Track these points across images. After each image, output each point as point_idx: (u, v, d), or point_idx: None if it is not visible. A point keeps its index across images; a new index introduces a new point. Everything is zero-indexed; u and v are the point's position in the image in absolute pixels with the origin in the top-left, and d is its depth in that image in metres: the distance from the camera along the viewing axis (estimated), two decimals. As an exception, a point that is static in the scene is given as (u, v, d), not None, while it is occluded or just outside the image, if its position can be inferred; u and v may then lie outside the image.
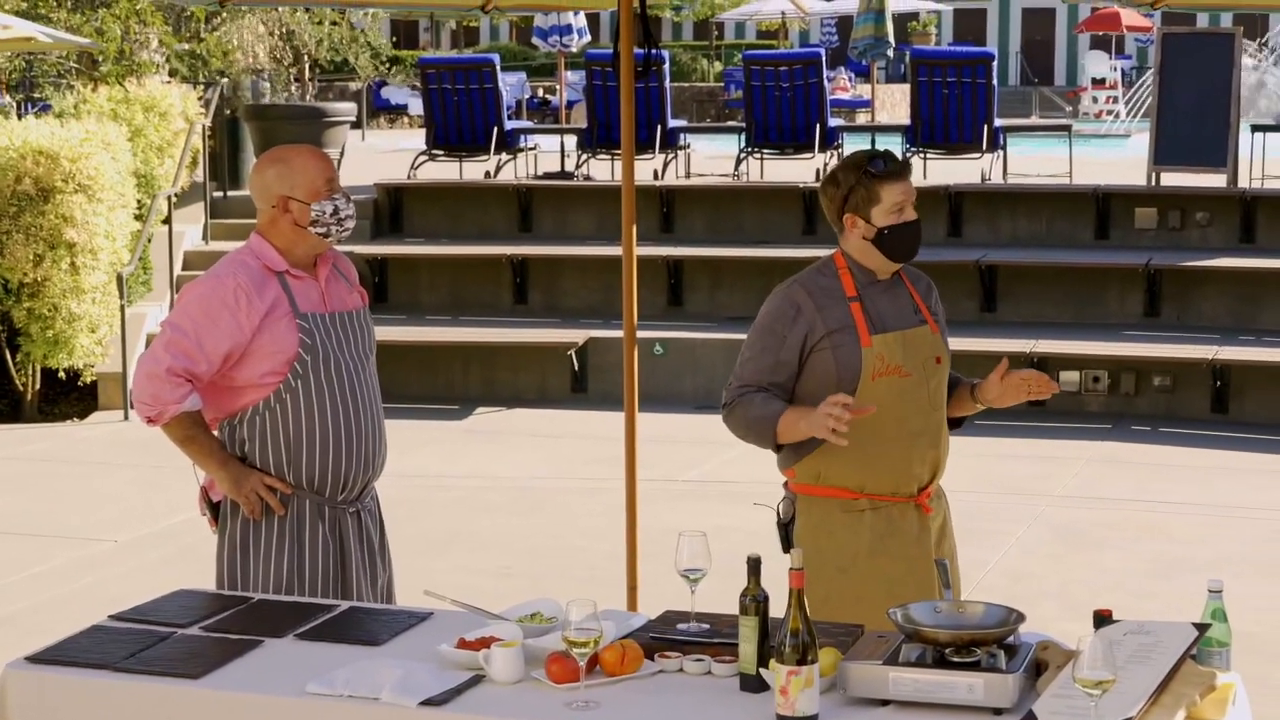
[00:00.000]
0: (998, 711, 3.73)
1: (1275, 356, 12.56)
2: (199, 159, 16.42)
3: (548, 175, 17.36)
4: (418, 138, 20.79)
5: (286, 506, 5.01)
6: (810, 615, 3.69)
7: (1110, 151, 23.36)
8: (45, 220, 13.22)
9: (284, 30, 25.41)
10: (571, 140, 18.14)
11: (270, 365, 4.95)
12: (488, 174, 17.21)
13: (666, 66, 17.67)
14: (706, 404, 12.70)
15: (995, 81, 16.33)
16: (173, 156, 15.78)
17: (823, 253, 5.20)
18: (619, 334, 12.67)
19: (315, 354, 4.98)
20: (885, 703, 3.81)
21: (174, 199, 15.23)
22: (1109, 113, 33.63)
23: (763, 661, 3.88)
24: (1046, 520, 9.98)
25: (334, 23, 26.47)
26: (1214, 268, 13.77)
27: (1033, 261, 14.26)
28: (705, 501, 10.28)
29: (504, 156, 17.34)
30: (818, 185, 13.85)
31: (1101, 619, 4.02)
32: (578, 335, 13.75)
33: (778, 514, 5.10)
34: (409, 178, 16.97)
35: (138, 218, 14.40)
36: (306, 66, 29.88)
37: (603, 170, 17.53)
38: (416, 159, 17.41)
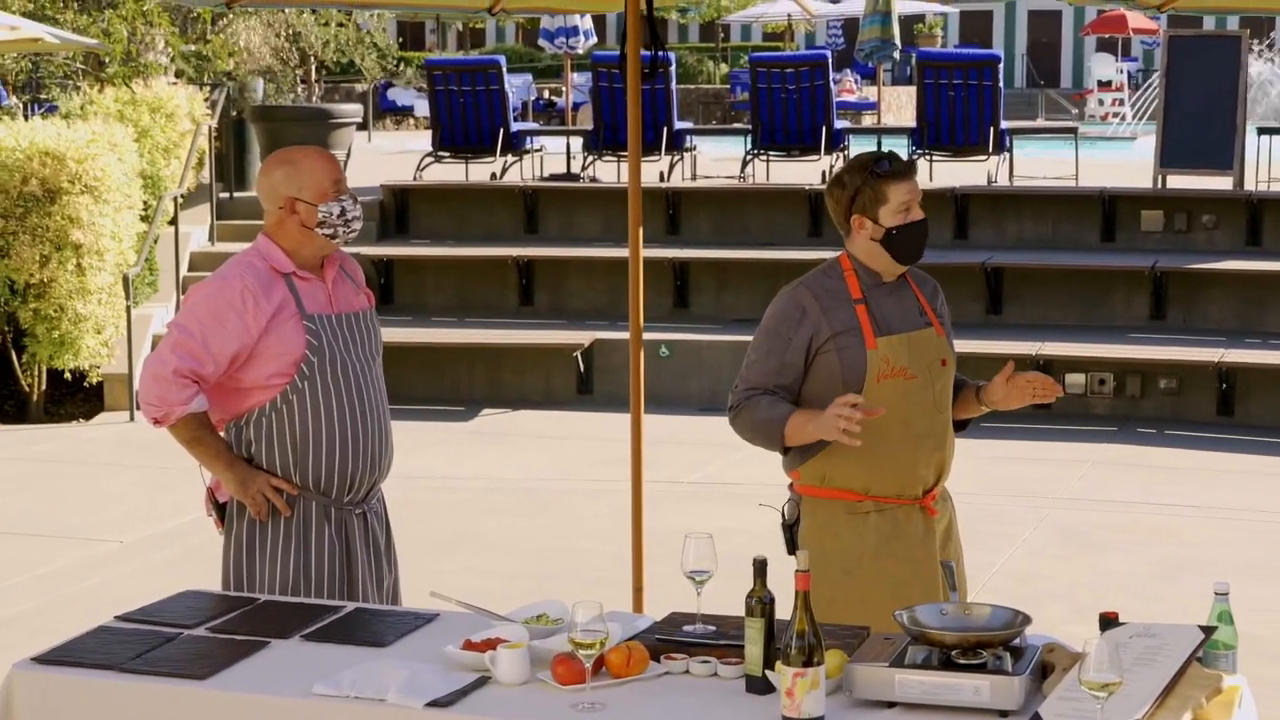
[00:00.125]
0: (1004, 714, 3.73)
1: (1281, 359, 12.56)
2: (205, 160, 16.42)
3: (553, 177, 17.36)
4: (424, 139, 20.81)
5: (293, 508, 5.01)
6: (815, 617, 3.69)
7: (1116, 154, 23.35)
8: (51, 221, 13.22)
9: (290, 31, 25.39)
10: (577, 142, 18.14)
11: (277, 367, 4.96)
12: (494, 175, 17.21)
13: (673, 68, 17.67)
14: (712, 406, 12.70)
15: (1001, 84, 16.32)
16: (179, 158, 15.78)
17: (828, 255, 5.20)
18: (625, 336, 12.65)
19: (322, 355, 4.99)
20: (891, 705, 3.81)
21: (180, 200, 15.24)
22: (1115, 115, 33.62)
23: (769, 663, 3.88)
24: (1052, 523, 9.98)
25: (340, 24, 26.45)
26: (1220, 270, 13.77)
27: (1039, 264, 14.26)
28: (710, 503, 10.28)
29: (510, 158, 17.34)
30: (824, 187, 13.87)
31: (1107, 621, 4.02)
32: (583, 337, 13.75)
33: (783, 516, 5.10)
34: (415, 179, 16.98)
35: (144, 219, 14.40)
36: (313, 68, 29.87)
37: (609, 172, 17.53)
38: (422, 160, 17.41)
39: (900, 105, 33.82)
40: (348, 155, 17.12)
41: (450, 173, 17.56)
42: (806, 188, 15.56)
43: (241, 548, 5.04)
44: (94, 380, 13.79)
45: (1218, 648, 3.94)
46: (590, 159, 17.34)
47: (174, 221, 14.98)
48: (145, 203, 14.54)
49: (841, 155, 16.80)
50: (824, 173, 16.54)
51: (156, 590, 5.20)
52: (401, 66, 32.59)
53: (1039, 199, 15.37)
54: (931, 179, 16.30)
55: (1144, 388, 12.87)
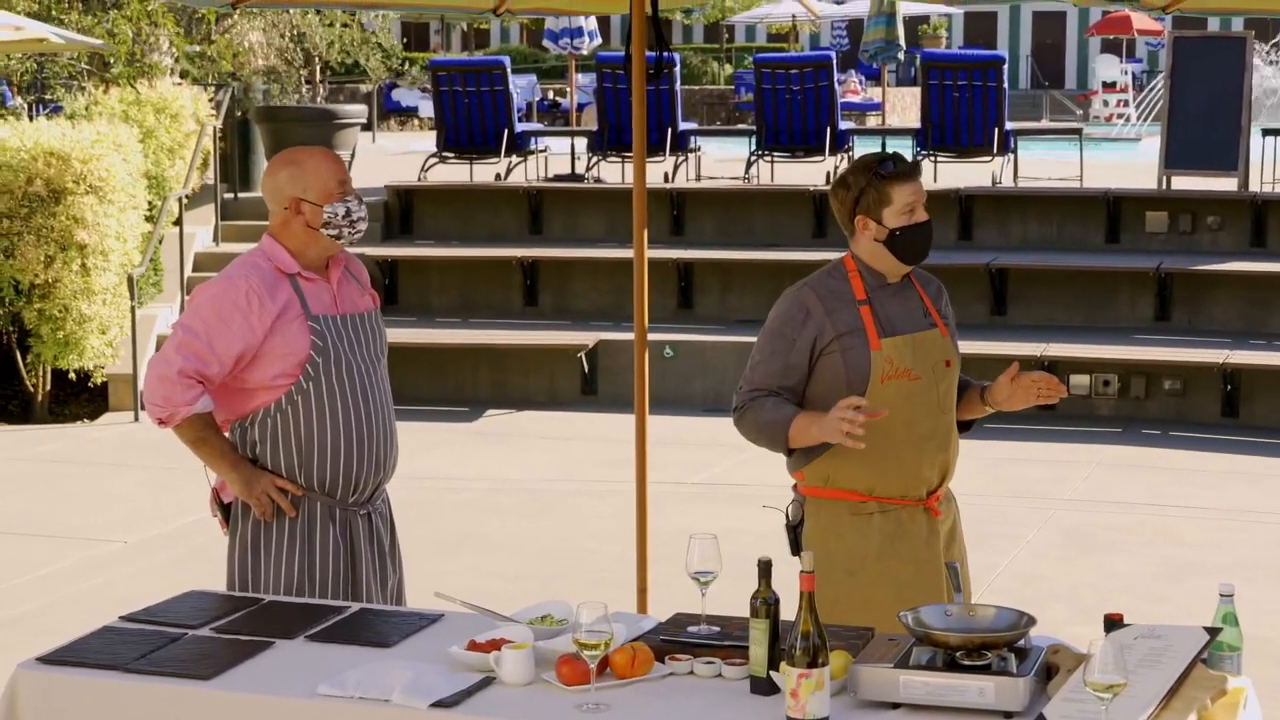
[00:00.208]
0: (1009, 715, 3.73)
1: (1286, 360, 12.55)
2: (210, 160, 16.43)
3: (558, 177, 17.37)
4: (428, 140, 20.82)
5: (297, 508, 5.02)
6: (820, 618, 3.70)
7: (1121, 155, 23.35)
8: (56, 221, 13.23)
9: (295, 32, 25.40)
10: (582, 143, 18.15)
11: (282, 367, 4.96)
12: (498, 176, 17.22)
13: (677, 69, 17.68)
14: (716, 406, 12.71)
15: (1006, 85, 16.30)
16: (184, 158, 15.79)
17: (833, 256, 5.20)
18: (629, 336, 12.67)
19: (327, 356, 4.99)
20: (896, 706, 3.81)
21: (185, 200, 15.24)
22: (1120, 116, 33.61)
23: (773, 664, 3.88)
24: (1057, 524, 9.97)
25: (345, 25, 26.46)
26: (1225, 272, 13.76)
27: (1043, 265, 14.25)
28: (715, 504, 10.28)
29: (514, 159, 17.34)
30: (828, 188, 13.85)
31: (1112, 623, 4.02)
32: (588, 337, 13.75)
33: (787, 517, 5.10)
34: (419, 180, 16.98)
35: (149, 219, 14.41)
36: (318, 68, 29.90)
37: (613, 173, 17.54)
38: (427, 161, 17.42)
39: (905, 106, 33.83)
40: (352, 156, 17.13)
41: (455, 173, 17.56)
42: (811, 189, 15.55)
43: (246, 548, 5.05)
44: (98, 381, 13.79)
45: (1223, 649, 3.94)
46: (594, 160, 17.35)
47: (178, 222, 14.98)
48: (150, 203, 14.55)
49: (846, 156, 16.80)
50: (828, 174, 16.54)
51: (161, 590, 5.20)
52: (406, 66, 32.60)
53: (1043, 200, 15.36)
54: (936, 180, 16.29)
55: (1149, 389, 12.87)
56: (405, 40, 35.28)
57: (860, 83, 32.58)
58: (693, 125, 19.09)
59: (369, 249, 14.58)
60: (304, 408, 4.98)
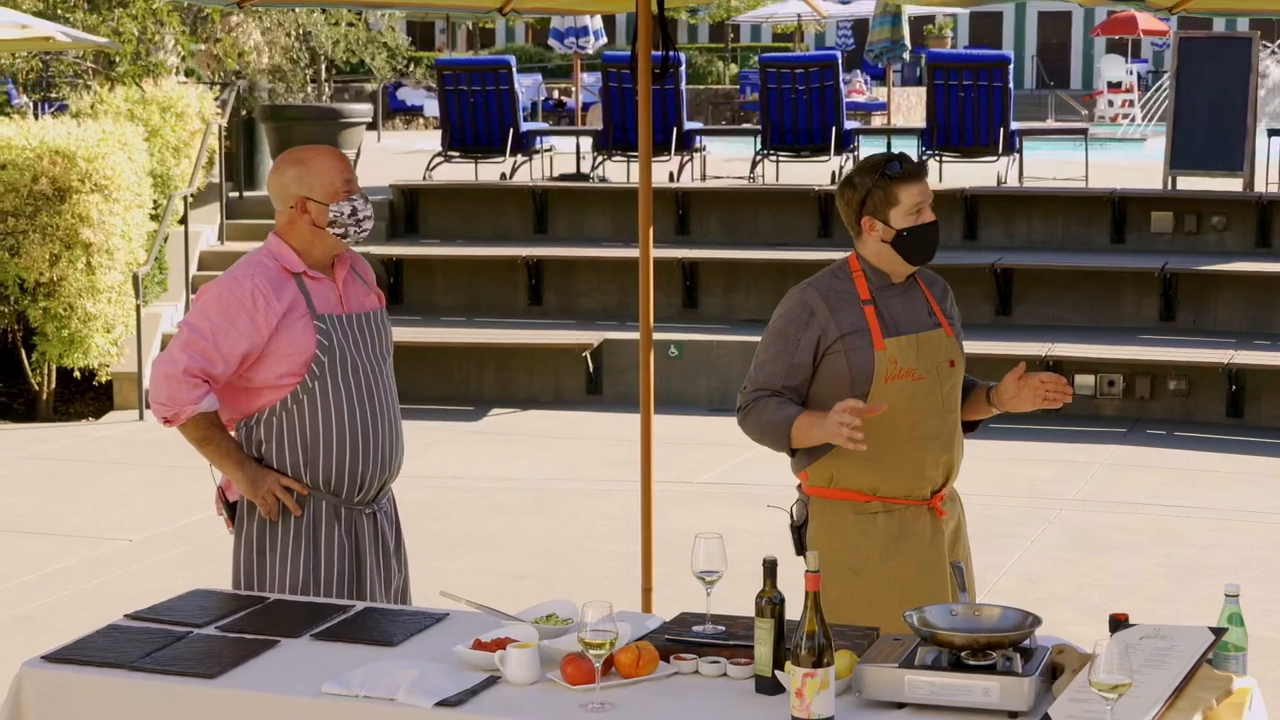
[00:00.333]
0: (1013, 715, 3.73)
1: (1291, 361, 12.55)
2: (215, 159, 16.44)
3: (563, 177, 17.36)
4: (433, 139, 20.81)
5: (303, 507, 5.02)
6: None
7: (1126, 155, 23.34)
8: (61, 220, 13.24)
9: (300, 31, 25.41)
10: (587, 142, 18.14)
11: (287, 366, 4.96)
12: (503, 175, 17.22)
13: (683, 69, 17.67)
14: (721, 406, 12.71)
15: (1011, 85, 16.30)
16: (189, 157, 15.79)
17: (838, 255, 5.20)
18: (634, 336, 12.69)
19: (332, 355, 4.99)
20: (901, 706, 3.81)
21: (190, 199, 15.25)
22: (1125, 116, 33.59)
23: (778, 664, 3.88)
24: (1061, 524, 9.97)
25: (350, 24, 26.48)
26: (1230, 272, 13.76)
27: (1048, 265, 14.25)
28: (719, 504, 10.28)
29: (519, 158, 17.34)
30: (833, 188, 13.83)
31: (1117, 623, 4.02)
32: (593, 337, 13.75)
33: (791, 517, 5.11)
34: (424, 179, 16.99)
35: (154, 218, 14.41)
36: (323, 67, 29.89)
37: (618, 172, 17.54)
38: (432, 160, 17.42)
39: (910, 106, 33.82)
40: (357, 155, 17.14)
41: (460, 172, 17.57)
42: (816, 188, 15.55)
43: (252, 547, 5.05)
44: (103, 379, 13.80)
45: (1228, 649, 3.94)
46: (600, 159, 17.35)
47: (184, 220, 14.99)
48: (155, 202, 14.55)
49: (851, 156, 16.80)
50: (834, 173, 16.55)
51: (166, 589, 5.21)
52: (411, 68, 32.61)
53: (1049, 200, 15.35)
54: (941, 180, 16.30)
55: (1153, 389, 12.86)
56: (411, 39, 35.28)
57: (865, 82, 32.58)
58: (698, 125, 19.09)
59: (373, 248, 14.58)
60: (309, 407, 4.98)
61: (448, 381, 13.87)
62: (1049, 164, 18.25)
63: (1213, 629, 3.93)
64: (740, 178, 17.18)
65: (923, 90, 21.21)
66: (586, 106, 28.54)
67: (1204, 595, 8.44)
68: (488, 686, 3.99)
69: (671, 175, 16.72)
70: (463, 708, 3.88)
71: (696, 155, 17.47)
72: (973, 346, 5.54)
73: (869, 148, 17.39)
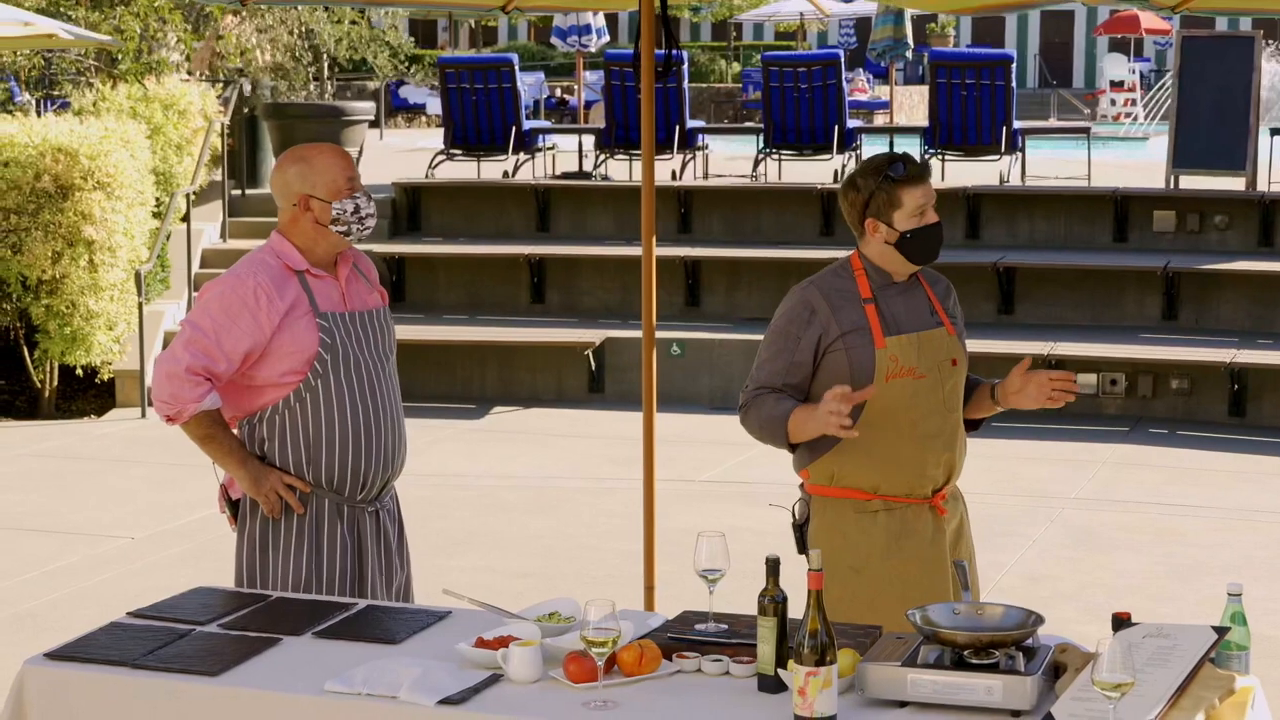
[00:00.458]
0: (1016, 714, 3.73)
1: (1294, 360, 12.54)
2: (218, 157, 16.44)
3: (566, 175, 17.36)
4: (436, 137, 20.81)
5: (305, 505, 5.02)
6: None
7: (1129, 154, 23.34)
8: (64, 217, 13.24)
9: (303, 29, 25.42)
10: (589, 140, 18.14)
11: (290, 364, 4.96)
12: (506, 174, 17.22)
13: (685, 67, 17.66)
14: (723, 404, 12.71)
15: (1014, 84, 16.30)
16: (191, 154, 15.80)
17: (841, 254, 5.20)
18: (636, 334, 12.70)
19: (335, 353, 4.99)
20: (903, 704, 3.81)
21: (192, 197, 15.25)
22: (1127, 115, 33.58)
23: (781, 662, 3.88)
24: (1064, 523, 9.97)
25: (353, 22, 26.49)
26: (1232, 271, 13.75)
27: (1051, 264, 14.25)
28: (721, 502, 10.28)
29: (522, 156, 17.34)
30: (836, 186, 13.83)
31: (1120, 621, 4.02)
32: (595, 335, 13.76)
33: (793, 515, 5.11)
34: (427, 177, 16.98)
35: (156, 215, 14.42)
36: (325, 65, 29.91)
37: (620, 170, 17.54)
38: (434, 158, 17.42)
39: (912, 105, 33.81)
40: (360, 153, 17.14)
41: (462, 171, 17.57)
42: (818, 187, 15.55)
43: (254, 545, 5.05)
44: (106, 377, 13.81)
45: (1231, 648, 3.93)
46: (602, 157, 17.35)
47: (186, 218, 14.99)
48: (157, 199, 14.56)
49: (854, 155, 16.80)
50: (836, 172, 16.55)
51: (168, 587, 5.21)
52: (412, 70, 32.61)
53: (1051, 199, 15.35)
54: (944, 179, 16.30)
55: (1156, 388, 12.86)
56: (413, 38, 35.28)
57: (868, 81, 32.58)
58: (700, 123, 19.08)
59: (376, 246, 14.58)
60: (312, 405, 4.98)
61: (450, 380, 13.88)
62: (1051, 163, 18.25)
63: (1215, 628, 3.93)
64: (742, 176, 17.17)
65: (925, 89, 21.22)
66: (589, 105, 28.55)
67: (1206, 594, 8.44)
68: (490, 685, 3.99)
69: (674, 174, 16.71)
70: (465, 706, 3.88)
71: (699, 154, 17.47)
72: (975, 345, 5.54)
73: (871, 146, 17.40)
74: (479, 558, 9.22)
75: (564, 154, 18.69)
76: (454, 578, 7.87)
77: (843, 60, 17.15)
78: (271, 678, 4.10)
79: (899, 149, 5.33)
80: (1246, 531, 9.78)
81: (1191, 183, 15.74)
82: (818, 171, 17.03)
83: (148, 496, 10.64)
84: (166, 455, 11.38)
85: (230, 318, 4.91)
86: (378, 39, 27.39)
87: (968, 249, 14.71)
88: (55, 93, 22.05)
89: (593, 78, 30.44)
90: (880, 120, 27.34)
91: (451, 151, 17.39)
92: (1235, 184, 15.49)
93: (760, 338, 5.10)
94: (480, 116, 17.18)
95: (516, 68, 17.34)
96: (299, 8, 23.96)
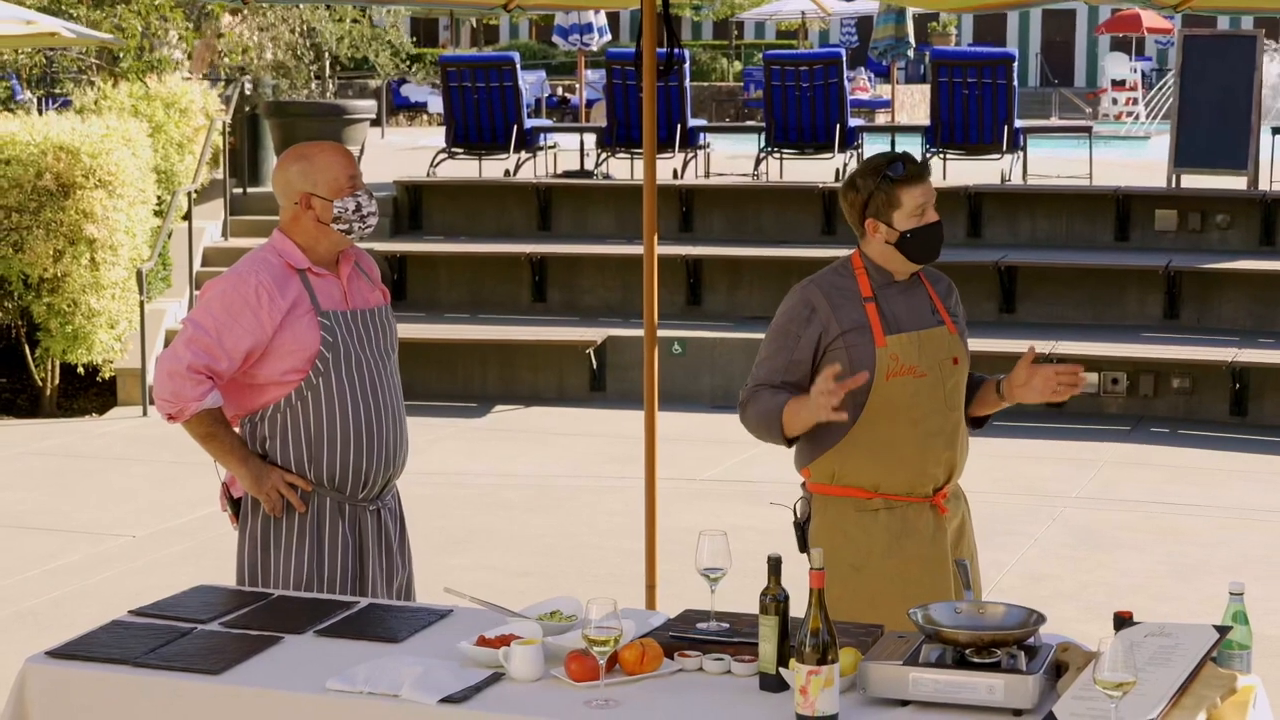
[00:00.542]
0: (1018, 713, 3.73)
1: (1295, 359, 12.54)
2: (219, 155, 16.44)
3: (567, 174, 17.36)
4: (437, 135, 20.82)
5: (307, 504, 5.02)
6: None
7: (1130, 153, 23.35)
8: (66, 216, 13.24)
9: (305, 27, 25.42)
10: (591, 139, 18.14)
11: (292, 363, 4.96)
12: (507, 172, 17.21)
13: (687, 66, 17.65)
14: (724, 403, 12.70)
15: (1015, 82, 16.30)
16: (193, 153, 15.80)
17: (842, 252, 5.20)
18: (637, 333, 12.69)
19: (337, 352, 4.99)
20: (905, 703, 3.81)
21: (194, 195, 15.25)
22: (1129, 114, 33.58)
23: (783, 661, 3.88)
24: (1065, 522, 9.97)
25: (355, 20, 26.49)
26: (1234, 270, 13.75)
27: (1052, 263, 14.24)
28: (723, 501, 10.28)
29: (523, 155, 17.34)
30: (837, 185, 13.82)
31: (1122, 620, 4.02)
32: (596, 334, 13.76)
33: (794, 513, 5.10)
34: (428, 175, 16.98)
35: (158, 214, 14.42)
36: (327, 64, 29.90)
37: (622, 169, 17.54)
38: (436, 157, 17.42)
39: (914, 104, 33.81)
40: (361, 151, 17.14)
41: (464, 169, 17.57)
42: (820, 186, 15.55)
43: (256, 543, 5.05)
44: (107, 375, 13.81)
45: (1232, 648, 3.93)
46: (604, 156, 17.35)
47: (188, 216, 14.99)
48: (159, 198, 14.56)
49: (855, 153, 16.80)
50: (837, 170, 16.55)
51: (169, 585, 5.21)
52: (413, 68, 32.61)
53: (1053, 198, 15.35)
54: (945, 177, 16.30)
55: (1157, 387, 12.85)
56: (415, 36, 35.28)
57: (869, 80, 32.58)
58: (702, 122, 19.08)
59: (377, 244, 14.58)
60: (314, 403, 4.98)
61: (451, 378, 13.88)
62: (1053, 162, 18.25)
63: (1217, 627, 3.93)
64: (744, 175, 17.17)
65: (927, 88, 21.20)
66: (590, 103, 28.54)
67: (1208, 593, 8.43)
68: (492, 683, 3.99)
69: (675, 172, 16.71)
70: (467, 704, 3.88)
71: (700, 152, 17.46)
72: (976, 344, 5.54)
73: (873, 145, 17.40)
74: (480, 556, 9.22)
75: (565, 153, 18.69)
76: (455, 576, 7.86)
77: (844, 59, 17.15)
78: (273, 676, 4.10)
79: (900, 148, 5.33)
80: (1248, 530, 9.78)
81: (1193, 182, 15.74)
82: (819, 170, 17.03)
83: (149, 495, 10.64)
84: (168, 454, 11.38)
85: (232, 316, 4.91)
86: (379, 37, 27.38)
87: (969, 248, 14.71)
88: (57, 91, 22.06)
89: (594, 76, 30.44)
90: (882, 119, 27.34)
91: (453, 150, 17.39)
92: (1237, 183, 15.49)
93: (761, 337, 5.10)
94: (482, 115, 17.19)
95: (518, 66, 17.34)
96: (300, 6, 23.94)
